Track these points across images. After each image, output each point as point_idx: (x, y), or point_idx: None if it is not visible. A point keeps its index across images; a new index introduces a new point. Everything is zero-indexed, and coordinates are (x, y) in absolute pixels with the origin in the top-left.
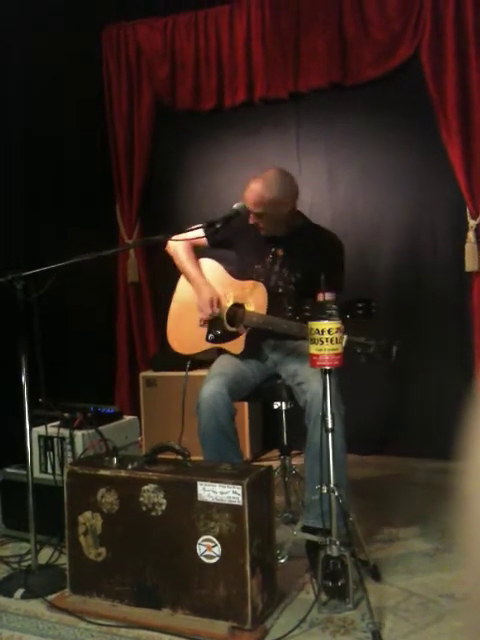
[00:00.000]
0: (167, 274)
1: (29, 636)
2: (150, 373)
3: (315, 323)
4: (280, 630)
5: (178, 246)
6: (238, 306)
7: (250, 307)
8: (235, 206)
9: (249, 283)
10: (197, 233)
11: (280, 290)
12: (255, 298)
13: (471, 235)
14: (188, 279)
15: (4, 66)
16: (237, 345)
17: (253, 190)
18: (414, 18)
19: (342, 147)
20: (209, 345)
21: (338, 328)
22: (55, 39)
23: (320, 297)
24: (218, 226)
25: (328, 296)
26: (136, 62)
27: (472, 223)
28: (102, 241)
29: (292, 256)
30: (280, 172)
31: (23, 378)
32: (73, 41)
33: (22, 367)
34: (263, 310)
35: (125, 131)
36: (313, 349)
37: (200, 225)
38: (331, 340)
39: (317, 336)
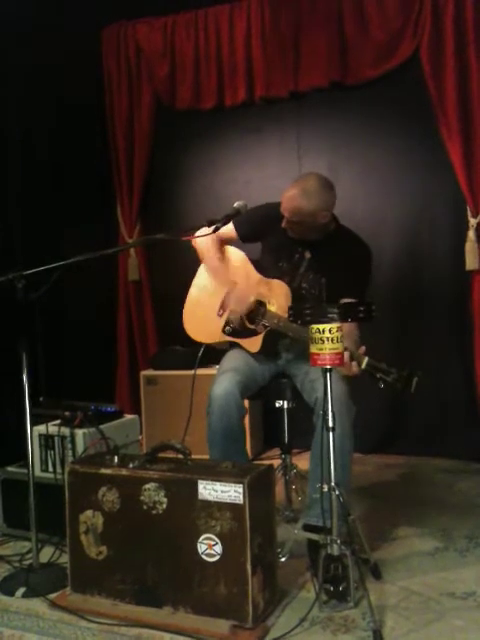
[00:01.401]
0: (168, 273)
1: (30, 635)
2: (150, 372)
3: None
4: (281, 629)
5: (206, 238)
6: (260, 304)
7: (272, 307)
8: (236, 205)
9: (274, 282)
10: (228, 227)
11: (303, 292)
12: (278, 299)
13: (471, 234)
14: (213, 273)
15: (4, 66)
16: (254, 344)
17: (291, 199)
18: (414, 17)
19: (343, 146)
20: (225, 338)
21: (338, 328)
22: (55, 40)
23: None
24: (219, 225)
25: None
26: (136, 61)
27: (472, 222)
28: (102, 240)
29: (319, 260)
30: (321, 181)
31: (24, 377)
32: (73, 41)
33: (23, 366)
34: (285, 312)
35: (125, 130)
36: (313, 348)
37: (203, 224)
38: (331, 339)
39: (317, 335)
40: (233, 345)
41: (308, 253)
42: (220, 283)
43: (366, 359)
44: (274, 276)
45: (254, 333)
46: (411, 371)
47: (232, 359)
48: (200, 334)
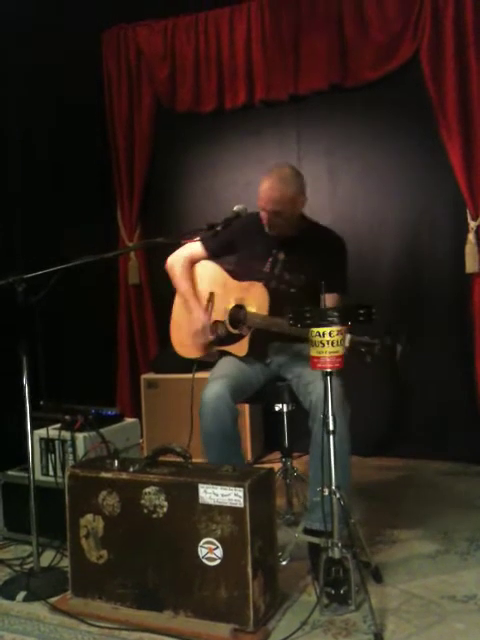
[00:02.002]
0: (168, 276)
1: (31, 639)
2: (151, 375)
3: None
4: (282, 632)
5: (175, 263)
6: (239, 308)
7: (251, 308)
8: (235, 208)
9: (251, 285)
10: (196, 247)
11: (281, 292)
12: (256, 299)
13: (471, 236)
14: (182, 297)
15: (4, 66)
16: (241, 348)
17: (271, 189)
18: (414, 19)
19: (342, 148)
20: (212, 348)
21: (339, 331)
22: (55, 40)
23: (330, 301)
24: (219, 228)
25: (332, 298)
26: (136, 64)
27: (472, 224)
28: (103, 241)
29: (293, 260)
30: (291, 168)
31: (24, 380)
32: (73, 42)
33: (23, 369)
34: (265, 311)
35: (125, 133)
36: (313, 352)
37: (203, 228)
38: (331, 343)
39: (317, 339)
40: (222, 355)
41: (282, 254)
42: (189, 307)
43: (349, 336)
44: (250, 280)
45: (240, 337)
46: (394, 338)
47: (223, 366)
48: (188, 350)
